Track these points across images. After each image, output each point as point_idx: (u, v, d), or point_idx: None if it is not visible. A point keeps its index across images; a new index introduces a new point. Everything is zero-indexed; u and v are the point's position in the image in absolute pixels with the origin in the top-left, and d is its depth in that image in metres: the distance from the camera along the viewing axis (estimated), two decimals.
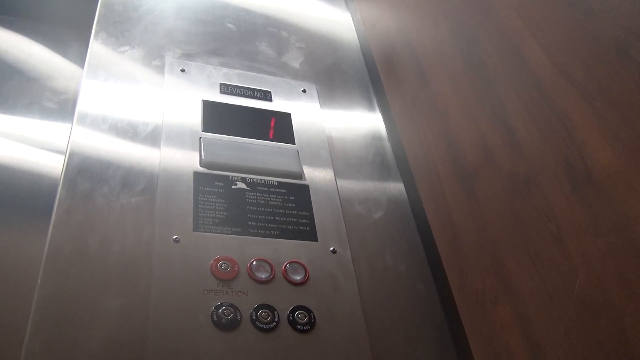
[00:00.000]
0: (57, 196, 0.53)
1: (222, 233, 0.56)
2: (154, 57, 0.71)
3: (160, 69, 0.70)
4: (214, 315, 0.50)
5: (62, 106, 0.72)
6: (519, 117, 0.51)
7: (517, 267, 0.48)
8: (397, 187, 0.71)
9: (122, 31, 0.73)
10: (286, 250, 0.57)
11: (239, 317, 0.50)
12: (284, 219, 0.60)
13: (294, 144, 0.69)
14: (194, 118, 0.66)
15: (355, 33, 0.93)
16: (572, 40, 0.45)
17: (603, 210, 0.40)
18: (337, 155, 0.71)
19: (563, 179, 0.44)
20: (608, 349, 0.38)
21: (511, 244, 0.49)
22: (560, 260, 0.43)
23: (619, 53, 0.40)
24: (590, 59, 0.43)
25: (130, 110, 0.64)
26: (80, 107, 0.62)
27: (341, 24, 0.94)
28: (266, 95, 0.73)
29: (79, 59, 0.73)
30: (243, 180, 0.62)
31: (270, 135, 0.68)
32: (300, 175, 0.65)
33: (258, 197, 0.61)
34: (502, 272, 0.49)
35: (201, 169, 0.61)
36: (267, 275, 0.54)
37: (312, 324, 0.52)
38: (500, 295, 0.49)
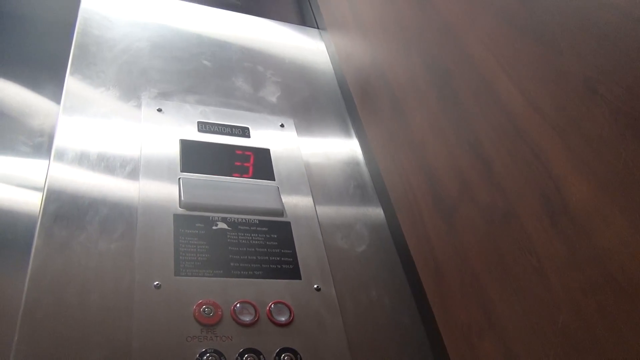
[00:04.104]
0: (34, 246, 0.52)
1: (204, 276, 0.55)
2: (130, 98, 0.71)
3: (137, 109, 0.70)
4: None
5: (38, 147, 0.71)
6: (494, 150, 0.51)
7: (501, 300, 0.48)
8: (379, 220, 0.71)
9: (97, 72, 0.72)
10: (270, 291, 0.57)
11: None
12: (267, 258, 0.59)
13: (274, 180, 0.68)
14: (173, 158, 0.65)
15: (330, 65, 0.94)
16: (542, 76, 0.47)
17: (581, 244, 0.40)
18: (318, 189, 0.71)
19: (541, 212, 0.45)
20: None
21: (494, 277, 0.49)
22: (543, 294, 0.43)
23: (587, 90, 0.42)
24: (560, 95, 0.44)
25: (107, 153, 0.63)
26: (57, 150, 0.61)
27: (316, 56, 0.95)
28: (244, 132, 0.73)
29: (55, 99, 0.72)
30: (224, 220, 0.61)
31: (250, 172, 0.68)
32: (282, 212, 0.65)
33: (240, 237, 0.60)
34: (486, 305, 0.50)
35: (181, 211, 0.60)
36: (252, 317, 0.54)
37: None
38: (486, 328, 0.49)
